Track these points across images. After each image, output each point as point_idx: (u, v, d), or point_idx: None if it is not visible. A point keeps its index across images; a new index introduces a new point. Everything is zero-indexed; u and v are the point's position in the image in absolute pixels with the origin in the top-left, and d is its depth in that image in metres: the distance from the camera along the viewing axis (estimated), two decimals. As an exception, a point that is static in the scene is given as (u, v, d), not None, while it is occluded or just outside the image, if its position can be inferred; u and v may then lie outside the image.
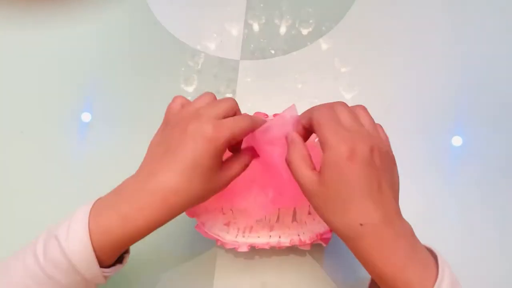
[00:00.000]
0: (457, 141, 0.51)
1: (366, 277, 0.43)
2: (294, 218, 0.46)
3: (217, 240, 0.42)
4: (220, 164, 0.33)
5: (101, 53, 0.56)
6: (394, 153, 0.34)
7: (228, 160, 0.36)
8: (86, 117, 0.52)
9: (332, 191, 0.30)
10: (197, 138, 0.31)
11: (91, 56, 0.55)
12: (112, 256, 0.33)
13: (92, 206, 0.32)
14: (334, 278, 0.44)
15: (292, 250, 0.45)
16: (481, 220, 0.46)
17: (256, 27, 0.57)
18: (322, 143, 0.31)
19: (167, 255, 0.45)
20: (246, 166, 0.36)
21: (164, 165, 0.31)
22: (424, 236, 0.44)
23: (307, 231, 0.43)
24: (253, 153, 0.38)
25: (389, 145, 0.34)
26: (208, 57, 0.55)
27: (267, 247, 0.42)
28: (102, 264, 0.32)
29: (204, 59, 0.55)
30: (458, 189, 0.48)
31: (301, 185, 0.32)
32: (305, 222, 0.45)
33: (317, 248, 0.45)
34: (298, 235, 0.43)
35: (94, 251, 0.31)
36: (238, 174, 0.35)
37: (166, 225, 0.44)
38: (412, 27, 0.56)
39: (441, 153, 0.50)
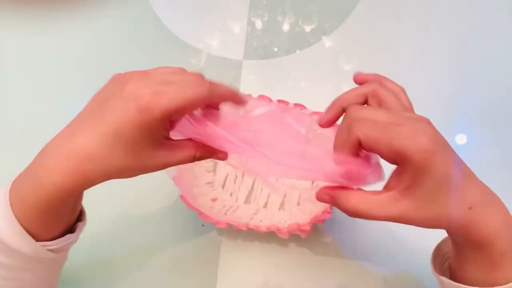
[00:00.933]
0: (461, 139, 0.50)
1: (371, 273, 0.43)
2: (281, 207, 0.47)
3: (199, 212, 0.42)
4: (155, 140, 0.28)
5: (102, 53, 0.55)
6: None
7: (179, 142, 0.30)
8: None
9: (426, 192, 0.26)
10: (129, 103, 0.26)
11: (92, 56, 0.55)
12: (46, 226, 0.28)
13: (18, 175, 0.29)
14: (337, 274, 0.44)
15: (293, 243, 0.45)
16: None
17: (259, 24, 0.57)
18: (395, 155, 0.26)
19: (169, 252, 0.45)
20: (196, 159, 0.31)
21: (87, 126, 0.27)
22: (427, 236, 0.44)
23: (292, 222, 0.44)
24: (212, 149, 0.31)
25: None
26: (210, 55, 0.55)
27: (244, 228, 0.42)
28: (41, 237, 0.28)
29: (206, 57, 0.55)
30: None
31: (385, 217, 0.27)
32: (291, 213, 0.45)
33: (321, 244, 0.45)
34: (279, 223, 0.43)
35: (19, 222, 0.27)
36: (178, 163, 0.30)
37: (168, 220, 0.45)
38: (416, 26, 0.56)
39: None
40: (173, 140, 0.30)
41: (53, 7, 0.57)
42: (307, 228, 0.41)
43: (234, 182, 0.48)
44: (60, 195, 0.27)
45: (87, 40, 0.56)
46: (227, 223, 0.42)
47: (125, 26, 0.57)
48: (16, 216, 0.27)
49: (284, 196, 0.47)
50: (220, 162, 0.48)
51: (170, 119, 0.28)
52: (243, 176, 0.48)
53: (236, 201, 0.47)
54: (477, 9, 0.57)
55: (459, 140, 0.50)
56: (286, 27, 0.56)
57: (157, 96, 0.26)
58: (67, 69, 0.54)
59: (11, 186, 0.28)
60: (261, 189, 0.48)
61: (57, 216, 0.29)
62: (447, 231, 0.30)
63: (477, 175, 0.47)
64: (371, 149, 0.27)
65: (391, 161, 0.27)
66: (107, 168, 0.27)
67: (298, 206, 0.47)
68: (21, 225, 0.27)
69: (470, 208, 0.27)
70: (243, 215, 0.45)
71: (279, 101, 0.47)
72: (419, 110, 0.52)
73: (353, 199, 0.28)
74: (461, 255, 0.30)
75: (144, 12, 0.57)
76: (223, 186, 0.48)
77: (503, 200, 0.46)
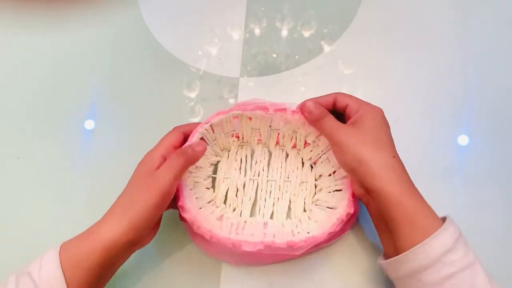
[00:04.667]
0: (463, 140, 0.50)
1: (374, 276, 0.42)
2: (288, 216, 0.46)
3: (211, 236, 0.40)
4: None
5: (102, 60, 0.56)
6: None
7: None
8: (89, 124, 0.52)
9: (369, 135, 0.38)
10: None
11: (91, 63, 0.55)
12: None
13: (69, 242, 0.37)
14: (342, 278, 0.43)
15: None
16: (489, 220, 0.46)
17: (257, 30, 0.57)
18: (356, 106, 0.41)
19: (171, 254, 0.45)
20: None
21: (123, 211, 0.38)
22: None
23: (302, 230, 0.43)
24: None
25: None
26: (210, 63, 0.55)
27: (261, 246, 0.40)
28: None
29: (206, 64, 0.55)
30: (464, 188, 0.48)
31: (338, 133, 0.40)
32: (300, 220, 0.45)
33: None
34: (292, 233, 0.42)
35: (66, 283, 0.34)
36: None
37: (171, 225, 0.45)
38: (416, 28, 0.56)
39: (447, 152, 0.49)
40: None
41: (55, 14, 0.57)
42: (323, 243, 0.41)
43: (236, 195, 0.47)
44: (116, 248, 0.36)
45: (87, 47, 0.56)
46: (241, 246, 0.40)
47: (125, 33, 0.57)
48: (64, 277, 0.34)
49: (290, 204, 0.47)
50: (219, 177, 0.47)
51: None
52: (244, 186, 0.47)
53: (240, 216, 0.46)
54: (480, 8, 0.57)
55: (461, 141, 0.50)
56: (284, 32, 0.56)
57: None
58: (68, 76, 0.55)
59: (59, 251, 0.35)
60: (265, 200, 0.47)
61: (102, 279, 0.37)
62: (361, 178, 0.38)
63: (479, 176, 0.48)
64: (341, 105, 0.42)
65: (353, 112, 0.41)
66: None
67: (305, 213, 0.46)
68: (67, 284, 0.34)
69: (393, 156, 0.38)
70: (255, 231, 0.43)
71: (276, 110, 0.45)
72: (421, 110, 0.52)
73: (327, 123, 0.42)
74: (379, 229, 0.39)
75: (134, 21, 0.57)
76: (225, 202, 0.47)
77: (504, 200, 0.47)
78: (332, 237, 0.42)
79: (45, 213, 0.48)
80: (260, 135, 0.47)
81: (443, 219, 0.35)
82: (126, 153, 0.49)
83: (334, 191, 0.44)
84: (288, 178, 0.47)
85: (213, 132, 0.45)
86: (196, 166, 0.45)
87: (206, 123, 0.44)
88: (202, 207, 0.44)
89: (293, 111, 0.44)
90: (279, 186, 0.47)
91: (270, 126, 0.46)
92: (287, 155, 0.48)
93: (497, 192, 0.47)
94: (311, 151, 0.46)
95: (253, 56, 0.55)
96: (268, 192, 0.47)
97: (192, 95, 0.53)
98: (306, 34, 0.56)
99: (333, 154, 0.42)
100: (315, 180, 0.47)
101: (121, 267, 0.39)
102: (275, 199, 0.47)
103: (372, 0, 0.57)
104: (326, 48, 0.55)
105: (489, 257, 0.43)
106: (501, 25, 0.56)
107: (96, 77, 0.54)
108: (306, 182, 0.47)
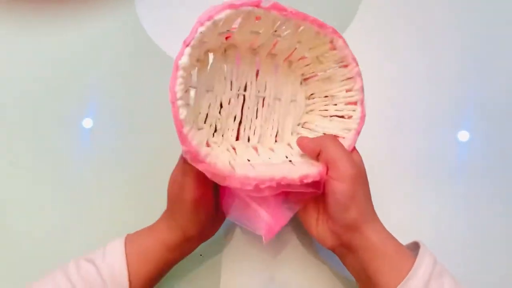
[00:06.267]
0: (463, 136, 0.51)
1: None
2: (275, 138, 0.41)
3: (212, 175, 0.32)
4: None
5: (101, 59, 0.53)
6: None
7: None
8: (87, 123, 0.50)
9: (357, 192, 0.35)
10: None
11: (90, 62, 0.53)
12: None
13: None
14: (342, 272, 0.43)
15: (299, 240, 0.44)
16: (488, 215, 0.47)
17: None
18: (335, 160, 0.35)
19: None
20: None
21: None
22: (430, 232, 0.46)
23: (295, 153, 0.39)
24: None
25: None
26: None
27: (274, 184, 0.34)
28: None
29: None
30: (464, 184, 0.48)
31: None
32: (289, 144, 0.41)
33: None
34: (292, 162, 0.38)
35: (128, 273, 0.34)
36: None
37: None
38: (418, 26, 0.55)
39: (448, 148, 0.50)
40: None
41: (53, 14, 0.55)
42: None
43: (219, 113, 0.38)
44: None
45: (85, 46, 0.54)
46: (255, 184, 0.33)
47: (123, 32, 0.55)
48: (128, 268, 0.34)
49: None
50: (200, 89, 0.37)
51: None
52: (230, 102, 0.38)
53: (222, 138, 0.38)
54: (481, 7, 0.57)
55: (461, 137, 0.50)
56: None
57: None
58: (65, 75, 0.52)
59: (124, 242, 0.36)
60: (251, 120, 0.39)
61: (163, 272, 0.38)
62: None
63: (479, 172, 0.50)
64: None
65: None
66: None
67: (292, 136, 0.41)
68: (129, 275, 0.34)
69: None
70: (253, 162, 0.36)
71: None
72: (422, 107, 0.52)
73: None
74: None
75: (130, 20, 0.55)
76: (205, 121, 0.37)
77: (503, 196, 0.49)
78: None
79: (44, 211, 0.46)
80: (256, 40, 0.37)
81: (416, 245, 0.36)
82: (124, 152, 0.49)
83: (332, 116, 0.40)
84: (278, 95, 0.40)
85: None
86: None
87: (209, 20, 0.31)
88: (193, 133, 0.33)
89: (313, 20, 0.36)
90: (268, 104, 0.40)
91: (275, 31, 0.37)
92: (276, 68, 0.40)
93: (497, 188, 0.48)
94: (307, 65, 0.40)
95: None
96: (255, 111, 0.40)
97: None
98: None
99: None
100: (305, 99, 0.41)
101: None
102: (262, 119, 0.40)
103: (372, 1, 0.56)
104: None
105: (490, 255, 0.46)
106: (501, 25, 0.56)
107: (94, 76, 0.52)
108: (295, 100, 0.41)
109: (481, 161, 0.49)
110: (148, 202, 0.44)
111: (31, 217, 0.46)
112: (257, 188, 0.33)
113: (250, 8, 0.33)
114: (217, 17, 0.32)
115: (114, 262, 0.34)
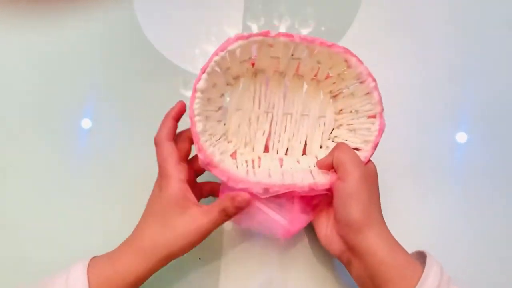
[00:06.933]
0: (461, 137, 0.50)
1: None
2: (304, 151, 0.44)
3: (228, 179, 0.37)
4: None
5: (99, 58, 0.54)
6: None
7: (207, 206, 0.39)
8: (86, 123, 0.51)
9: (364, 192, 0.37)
10: None
11: (88, 62, 0.54)
12: None
13: (89, 261, 0.35)
14: (343, 277, 0.43)
15: (299, 241, 0.45)
16: (487, 216, 0.47)
17: (254, 28, 0.55)
18: (342, 163, 0.37)
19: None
20: (228, 212, 0.38)
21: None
22: (429, 233, 0.46)
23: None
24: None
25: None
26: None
27: (283, 190, 0.38)
28: None
29: (203, 63, 0.47)
30: (463, 186, 0.48)
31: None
32: (316, 157, 0.43)
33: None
34: (310, 170, 0.41)
35: None
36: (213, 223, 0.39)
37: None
38: (416, 27, 0.55)
39: (446, 150, 0.49)
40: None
41: (50, 12, 0.55)
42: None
43: (249, 129, 0.43)
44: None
45: (84, 45, 0.54)
46: (264, 188, 0.37)
47: (122, 31, 0.55)
48: None
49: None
50: (231, 108, 0.43)
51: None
52: (258, 120, 0.44)
53: (253, 151, 0.43)
54: (480, 8, 0.56)
55: (459, 139, 0.50)
56: (282, 30, 0.52)
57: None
58: (64, 74, 0.53)
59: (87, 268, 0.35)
60: (279, 134, 0.44)
61: None
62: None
63: (478, 174, 0.49)
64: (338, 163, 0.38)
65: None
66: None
67: (321, 149, 0.44)
68: None
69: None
70: (271, 169, 0.40)
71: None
72: (420, 108, 0.51)
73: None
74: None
75: (129, 19, 0.55)
76: (236, 136, 0.43)
77: (502, 197, 0.47)
78: None
79: (43, 212, 0.46)
80: (279, 64, 0.42)
81: (420, 254, 0.36)
82: (123, 152, 0.49)
83: (356, 129, 0.42)
84: (305, 111, 0.44)
85: (228, 60, 0.40)
86: (208, 99, 0.40)
87: (223, 50, 0.38)
88: (216, 145, 0.40)
89: (322, 42, 0.39)
90: (296, 120, 0.44)
91: (292, 55, 0.41)
92: (305, 87, 0.44)
93: (496, 189, 0.48)
94: (334, 83, 0.43)
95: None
96: (283, 126, 0.44)
97: (189, 94, 0.46)
98: (304, 32, 0.54)
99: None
100: (335, 114, 0.44)
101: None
102: (290, 134, 0.44)
103: (372, 1, 0.56)
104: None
105: (490, 256, 0.45)
106: (500, 25, 0.55)
107: (93, 77, 0.53)
108: (325, 116, 0.44)
109: (479, 163, 0.49)
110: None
111: (30, 217, 0.46)
112: (266, 191, 0.38)
113: (260, 37, 0.38)
114: (230, 48, 0.38)
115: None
